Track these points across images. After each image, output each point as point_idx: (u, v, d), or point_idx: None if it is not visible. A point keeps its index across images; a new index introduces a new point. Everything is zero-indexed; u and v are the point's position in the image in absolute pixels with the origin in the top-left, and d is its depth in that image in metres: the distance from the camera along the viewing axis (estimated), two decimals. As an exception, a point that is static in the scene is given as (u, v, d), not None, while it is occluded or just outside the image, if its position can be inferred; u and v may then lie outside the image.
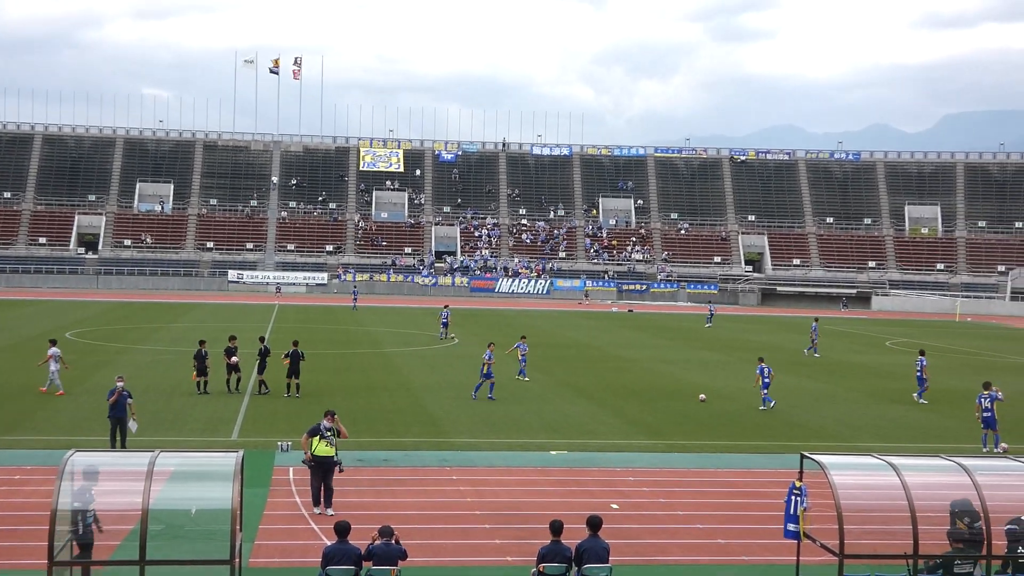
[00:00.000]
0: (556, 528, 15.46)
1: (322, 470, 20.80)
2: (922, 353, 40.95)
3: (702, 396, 37.58)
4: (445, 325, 58.49)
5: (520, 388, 38.58)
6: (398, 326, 65.39)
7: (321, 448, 20.87)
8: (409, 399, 35.10)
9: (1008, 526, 16.44)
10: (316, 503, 20.77)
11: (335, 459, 21.01)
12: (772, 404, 35.77)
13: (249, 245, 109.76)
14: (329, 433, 21.05)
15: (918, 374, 39.44)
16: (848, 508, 15.51)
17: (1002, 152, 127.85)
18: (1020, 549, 16.22)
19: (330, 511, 20.38)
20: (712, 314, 75.20)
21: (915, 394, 39.18)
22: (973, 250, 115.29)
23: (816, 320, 58.93)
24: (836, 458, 17.51)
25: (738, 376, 44.66)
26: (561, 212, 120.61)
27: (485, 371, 35.69)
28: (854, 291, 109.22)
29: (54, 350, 34.52)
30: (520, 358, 41.76)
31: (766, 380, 36.12)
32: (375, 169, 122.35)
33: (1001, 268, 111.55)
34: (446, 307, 60.69)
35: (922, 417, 35.17)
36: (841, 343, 64.22)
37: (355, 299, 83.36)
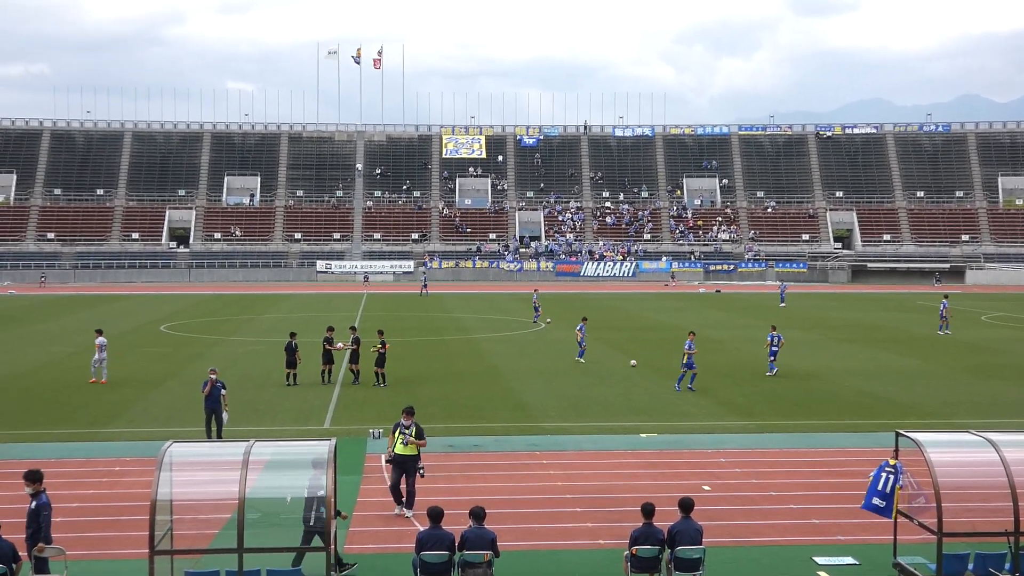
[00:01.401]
0: (648, 511, 15.41)
1: (400, 469, 19.89)
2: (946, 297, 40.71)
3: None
4: (536, 309, 58.58)
5: (608, 371, 38.52)
6: (484, 312, 65.65)
7: (398, 447, 19.89)
8: (497, 385, 35.23)
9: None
10: (397, 502, 19.94)
11: (416, 461, 19.93)
12: (775, 372, 37.46)
13: (336, 235, 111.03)
14: (408, 432, 19.95)
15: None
16: (945, 486, 15.25)
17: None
18: None
19: (409, 513, 19.64)
20: (783, 293, 74.15)
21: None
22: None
23: (946, 297, 57.00)
24: (932, 435, 17.22)
25: (827, 355, 44.11)
26: (645, 194, 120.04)
27: (686, 360, 34.31)
28: (947, 266, 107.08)
29: (100, 340, 35.45)
30: (579, 340, 41.89)
31: (774, 348, 37.92)
32: (457, 156, 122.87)
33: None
34: (536, 291, 60.70)
35: (1021, 393, 34.39)
36: (936, 319, 62.98)
37: (424, 285, 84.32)
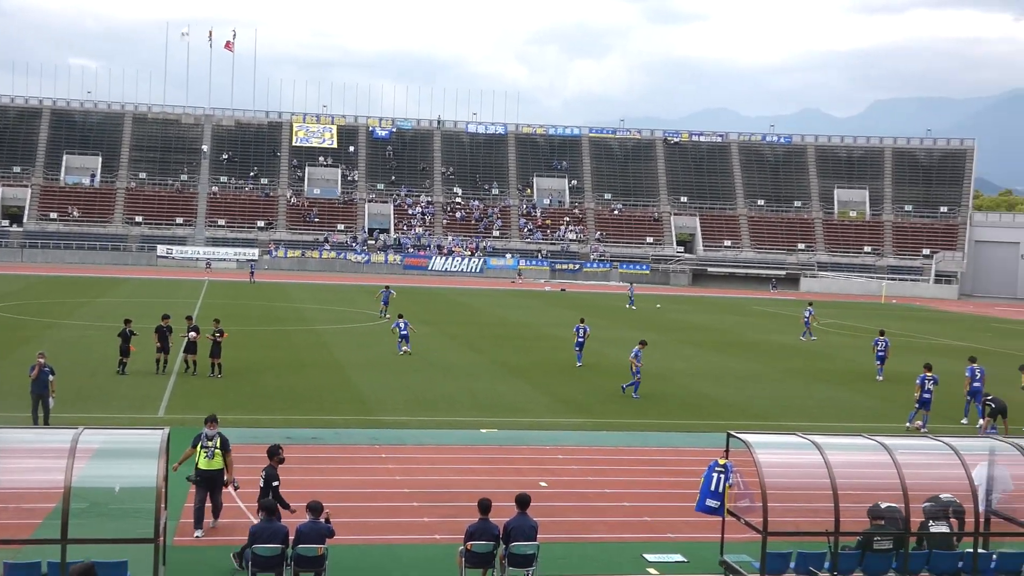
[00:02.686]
0: (484, 506, 15.49)
1: (206, 488, 17.73)
2: (882, 333, 42.49)
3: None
4: (386, 303, 57.91)
5: (451, 366, 38.57)
6: (330, 303, 65.01)
7: (202, 461, 17.70)
8: (339, 377, 34.93)
9: (925, 504, 16.81)
10: (198, 526, 17.60)
11: (223, 475, 17.93)
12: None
13: (179, 220, 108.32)
14: (211, 443, 17.80)
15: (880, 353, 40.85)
16: (772, 486, 15.73)
17: (929, 138, 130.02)
18: (932, 525, 16.59)
19: (212, 523, 17.97)
20: (632, 295, 75.31)
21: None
22: (899, 233, 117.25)
23: (811, 304, 59.20)
24: (761, 437, 17.73)
25: (668, 356, 45.07)
26: (495, 191, 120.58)
27: (634, 370, 33.73)
28: (783, 272, 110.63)
29: None
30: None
31: (580, 340, 40.43)
32: (308, 145, 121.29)
33: (926, 251, 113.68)
34: (387, 287, 60.03)
35: (847, 397, 35.75)
36: (770, 324, 65.01)
37: (252, 273, 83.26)
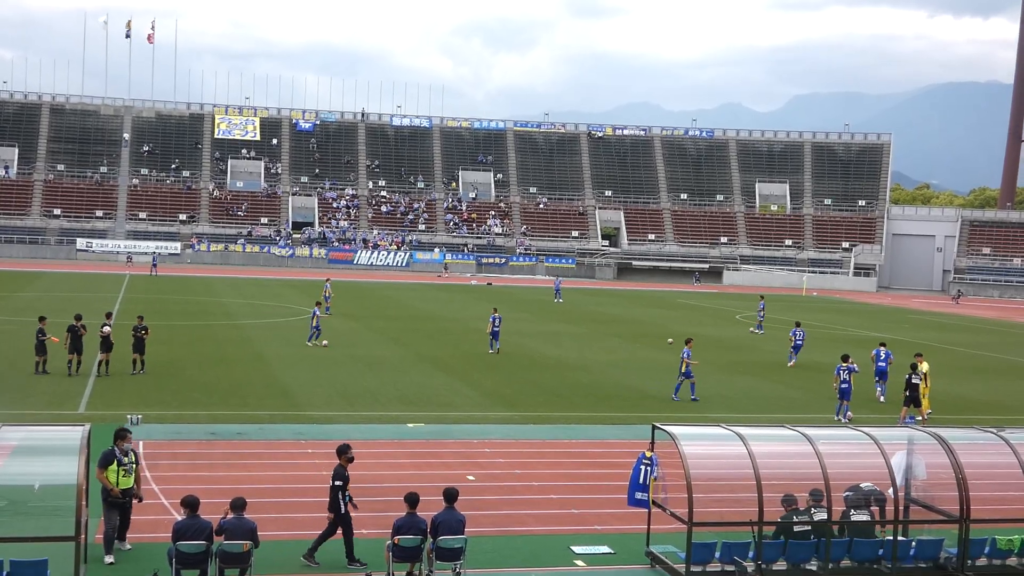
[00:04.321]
0: (412, 500, 15.46)
1: (122, 507, 16.52)
2: (798, 325, 43.99)
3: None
4: (326, 298, 56.96)
5: (378, 361, 38.43)
6: (253, 298, 64.37)
7: (121, 480, 16.38)
8: (263, 372, 34.61)
9: (846, 493, 17.10)
10: (109, 550, 16.24)
11: (133, 490, 16.66)
12: (496, 350, 41.56)
13: (99, 213, 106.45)
14: (127, 459, 16.49)
15: (881, 365, 35.14)
16: (697, 477, 15.90)
17: (847, 132, 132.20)
18: (853, 514, 16.89)
19: (127, 546, 16.66)
20: (559, 288, 75.66)
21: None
22: (819, 227, 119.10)
23: (762, 298, 59.92)
24: (686, 428, 17.94)
25: (592, 348, 45.34)
26: (421, 184, 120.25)
27: (684, 369, 32.69)
28: (707, 266, 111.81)
29: None
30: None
31: (496, 328, 42.08)
32: (230, 137, 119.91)
33: (845, 244, 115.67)
34: (328, 280, 59.07)
35: (770, 389, 36.25)
36: (693, 316, 65.68)
37: (154, 266, 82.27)
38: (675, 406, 31.47)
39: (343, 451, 16.98)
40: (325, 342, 41.85)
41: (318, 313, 42.61)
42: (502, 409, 30.03)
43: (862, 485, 17.14)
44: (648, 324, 58.45)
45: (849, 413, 30.54)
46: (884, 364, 34.88)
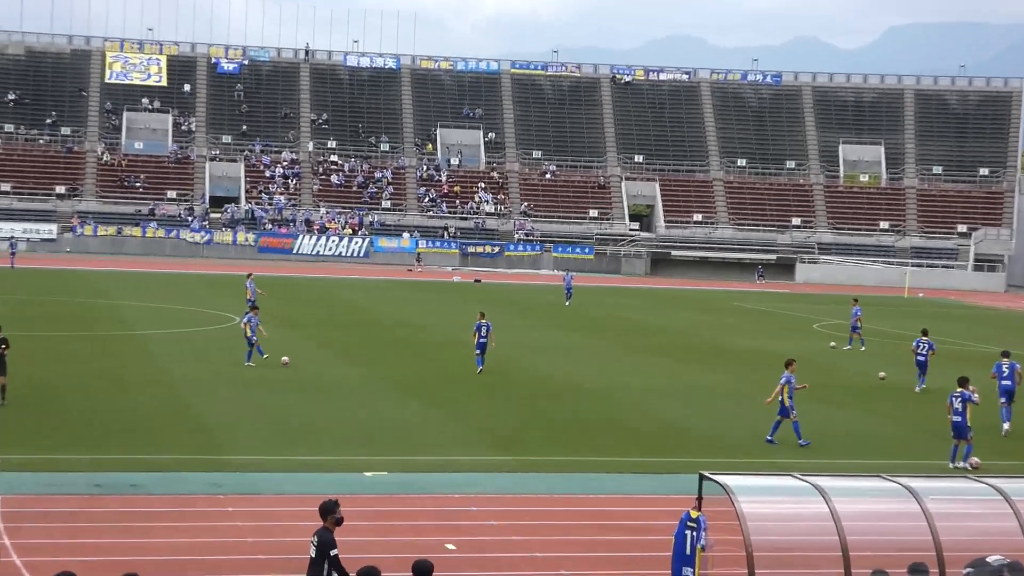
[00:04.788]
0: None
1: None
2: (924, 333, 44.20)
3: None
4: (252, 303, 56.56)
5: (327, 385, 38.27)
6: (157, 300, 64.24)
7: None
8: (169, 400, 34.44)
9: (967, 569, 16.85)
10: None
11: None
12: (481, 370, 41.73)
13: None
14: None
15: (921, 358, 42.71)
16: (760, 546, 15.68)
17: (963, 76, 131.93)
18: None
19: None
20: (569, 287, 74.25)
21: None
22: (926, 204, 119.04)
23: (856, 301, 57.31)
24: (746, 479, 17.70)
25: (617, 367, 45.23)
26: (385, 147, 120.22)
27: (786, 401, 31.89)
28: (773, 257, 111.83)
29: None
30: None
31: (482, 339, 42.13)
32: (127, 82, 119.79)
33: (962, 228, 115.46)
34: (249, 276, 58.83)
35: (861, 423, 36.05)
36: (754, 325, 65.55)
37: (12, 255, 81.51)
38: (729, 448, 31.28)
39: (329, 510, 17.02)
40: (286, 359, 41.60)
41: (254, 322, 42.05)
42: (495, 451, 29.86)
43: (989, 558, 16.90)
44: (693, 335, 58.28)
45: (973, 459, 30.12)
46: (1011, 382, 34.70)
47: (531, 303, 73.15)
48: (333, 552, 16.70)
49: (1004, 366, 34.90)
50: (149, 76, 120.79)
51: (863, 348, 54.82)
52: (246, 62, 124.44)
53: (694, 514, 17.36)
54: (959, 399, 30.33)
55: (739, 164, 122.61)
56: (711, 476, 16.89)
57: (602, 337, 55.84)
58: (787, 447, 31.66)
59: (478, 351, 42.26)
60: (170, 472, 26.30)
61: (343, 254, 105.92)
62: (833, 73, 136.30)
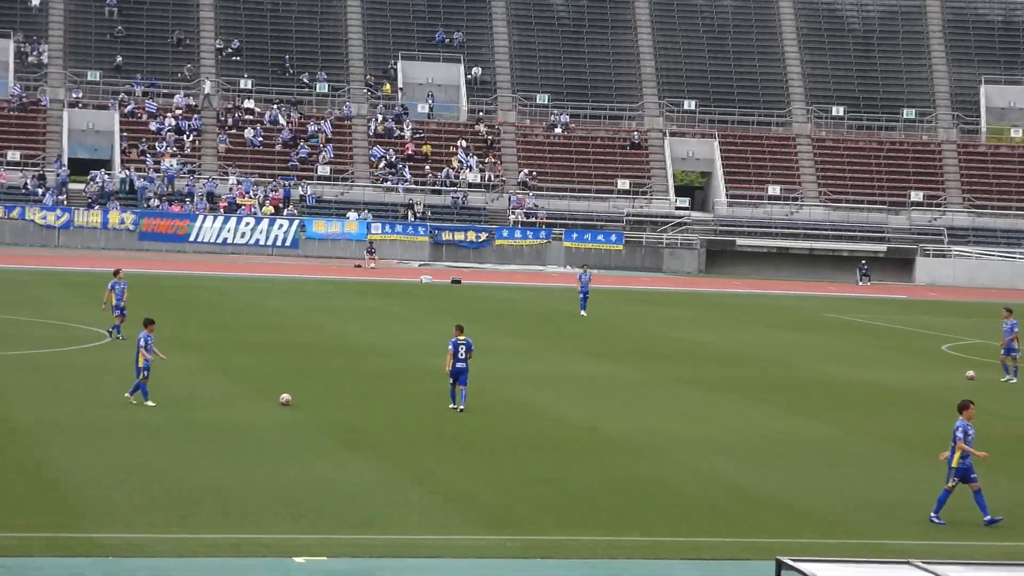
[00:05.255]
0: None
1: None
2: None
3: (970, 373, 47.32)
4: (120, 310, 56.64)
5: (240, 430, 38.28)
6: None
7: None
8: (12, 452, 34.45)
9: None
10: None
11: None
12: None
13: None
14: None
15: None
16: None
17: None
18: None
19: None
20: (586, 291, 73.84)
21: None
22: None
23: (1010, 311, 56.58)
24: (842, 568, 17.75)
25: (655, 407, 45.32)
26: (323, 87, 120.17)
27: (957, 459, 31.59)
28: (883, 248, 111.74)
29: None
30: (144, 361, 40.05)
31: (459, 360, 42.76)
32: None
33: None
34: (117, 274, 58.85)
35: (1003, 487, 36.05)
36: (858, 348, 65.49)
37: None
38: (820, 522, 31.29)
39: None
40: (286, 396, 41.96)
41: (147, 345, 41.79)
42: (480, 528, 29.83)
43: None
44: (768, 361, 58.29)
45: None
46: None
47: (533, 315, 73.14)
48: None
49: None
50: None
51: (1014, 379, 54.60)
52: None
53: (771, 619, 17.42)
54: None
55: (834, 114, 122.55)
56: (793, 563, 16.93)
57: (636, 365, 55.76)
58: (901, 520, 31.67)
59: (453, 380, 42.55)
60: (12, 558, 26.28)
61: (261, 242, 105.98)
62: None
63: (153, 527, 28.73)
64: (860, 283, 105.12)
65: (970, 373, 46.37)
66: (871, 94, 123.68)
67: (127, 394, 41.44)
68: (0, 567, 25.81)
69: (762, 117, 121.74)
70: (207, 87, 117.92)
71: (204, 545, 27.70)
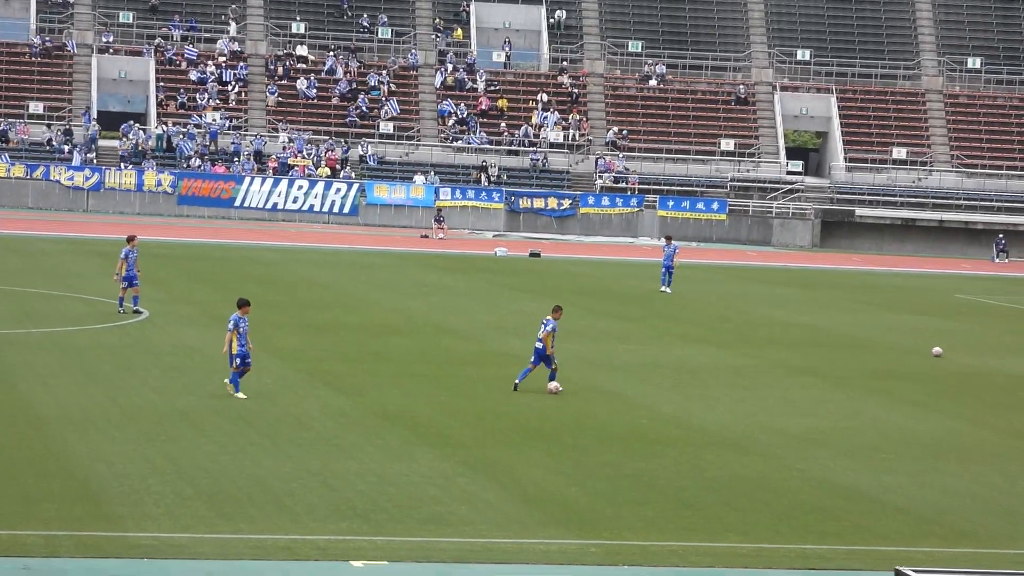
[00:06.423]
0: None
1: None
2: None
3: (937, 349, 47.23)
4: (130, 278, 56.95)
5: (290, 421, 38.53)
6: (13, 280, 64.73)
7: None
8: (37, 443, 34.84)
9: None
10: None
11: None
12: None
13: None
14: None
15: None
16: None
17: None
18: None
19: None
20: (670, 265, 73.58)
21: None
22: None
23: None
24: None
25: (765, 402, 45.41)
26: (386, 31, 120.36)
27: None
28: (1023, 220, 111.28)
29: None
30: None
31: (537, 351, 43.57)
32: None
33: None
34: (132, 240, 59.10)
35: None
36: (992, 331, 65.34)
37: None
38: (949, 534, 31.32)
39: None
40: (556, 386, 42.86)
41: (243, 326, 41.65)
42: (562, 531, 30.04)
43: None
44: (892, 349, 58.27)
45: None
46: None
47: (621, 293, 73.22)
48: None
49: None
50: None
51: None
52: None
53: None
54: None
55: (970, 66, 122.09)
56: (914, 574, 17.17)
57: (738, 350, 55.86)
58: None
59: (533, 363, 43.15)
60: (37, 558, 26.64)
61: (316, 209, 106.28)
62: None
63: (193, 526, 29.02)
64: (996, 260, 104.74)
65: (936, 349, 46.74)
66: (1013, 44, 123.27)
67: (226, 381, 41.61)
68: (25, 568, 26.23)
69: (887, 70, 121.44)
70: (260, 34, 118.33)
71: (250, 546, 27.94)
